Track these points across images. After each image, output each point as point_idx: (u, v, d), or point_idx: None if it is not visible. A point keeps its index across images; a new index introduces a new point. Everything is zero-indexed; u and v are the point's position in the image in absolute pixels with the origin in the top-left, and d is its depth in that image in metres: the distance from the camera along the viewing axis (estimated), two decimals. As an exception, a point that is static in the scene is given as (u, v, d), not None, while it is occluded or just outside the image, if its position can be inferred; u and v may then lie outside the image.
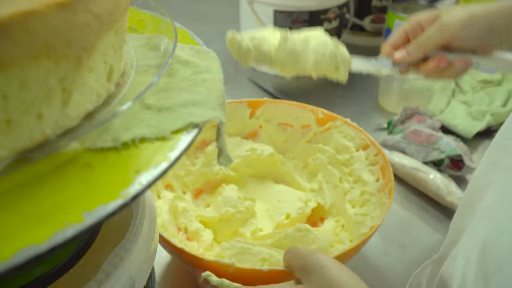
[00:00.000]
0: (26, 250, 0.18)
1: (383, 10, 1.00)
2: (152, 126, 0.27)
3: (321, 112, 0.64)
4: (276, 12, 0.86)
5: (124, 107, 0.25)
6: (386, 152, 0.69)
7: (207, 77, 0.33)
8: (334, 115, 0.63)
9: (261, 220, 0.59)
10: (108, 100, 0.29)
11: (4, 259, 0.18)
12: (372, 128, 0.80)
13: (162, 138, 0.27)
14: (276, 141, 0.67)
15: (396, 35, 0.59)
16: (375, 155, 0.58)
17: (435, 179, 0.65)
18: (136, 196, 0.22)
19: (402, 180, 0.70)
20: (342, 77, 0.55)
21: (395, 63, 0.58)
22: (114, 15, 0.27)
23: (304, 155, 0.66)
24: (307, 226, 0.53)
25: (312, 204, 0.60)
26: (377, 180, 0.57)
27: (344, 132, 0.63)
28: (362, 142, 0.60)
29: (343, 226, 0.58)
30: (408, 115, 0.78)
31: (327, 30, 0.63)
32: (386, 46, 0.59)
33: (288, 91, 0.89)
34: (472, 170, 0.68)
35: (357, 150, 0.61)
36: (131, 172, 0.24)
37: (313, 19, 0.86)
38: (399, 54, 0.57)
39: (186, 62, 0.34)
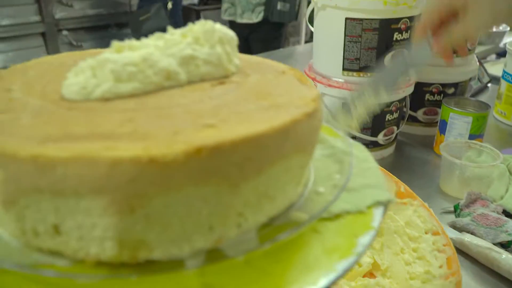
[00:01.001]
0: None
1: (435, 103, 1.11)
2: (350, 202, 0.36)
3: (404, 187, 0.72)
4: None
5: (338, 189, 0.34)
6: (457, 233, 0.76)
7: (369, 165, 0.42)
8: (415, 194, 0.71)
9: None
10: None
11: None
12: (436, 211, 0.88)
13: (360, 212, 0.35)
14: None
15: (429, 18, 0.65)
16: (444, 245, 0.64)
17: (507, 259, 0.72)
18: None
19: (474, 259, 0.76)
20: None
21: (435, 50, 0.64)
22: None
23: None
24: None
25: (370, 260, 0.65)
26: (441, 267, 0.63)
27: (418, 213, 0.71)
28: (433, 228, 0.67)
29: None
30: (472, 200, 0.86)
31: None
32: (419, 29, 0.66)
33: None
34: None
35: (426, 233, 0.68)
36: (351, 236, 0.32)
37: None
38: (436, 46, 0.64)
39: (349, 153, 0.43)
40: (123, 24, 2.86)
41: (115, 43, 0.35)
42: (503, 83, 1.22)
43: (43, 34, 2.55)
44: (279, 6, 2.21)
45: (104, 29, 2.79)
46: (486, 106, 1.02)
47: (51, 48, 2.56)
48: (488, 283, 0.73)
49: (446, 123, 1.03)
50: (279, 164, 0.30)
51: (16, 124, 0.30)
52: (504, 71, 1.21)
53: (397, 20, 0.95)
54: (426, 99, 1.13)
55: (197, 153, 0.26)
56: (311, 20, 1.09)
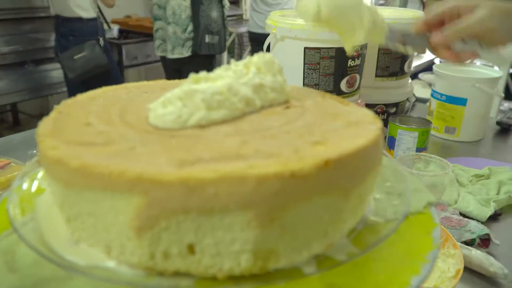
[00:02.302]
0: None
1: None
2: (394, 213, 0.41)
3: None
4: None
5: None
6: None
7: (402, 172, 0.47)
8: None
9: None
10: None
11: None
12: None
13: (419, 213, 0.40)
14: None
15: (433, 15, 0.64)
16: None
17: (477, 254, 0.81)
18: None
19: (448, 258, 0.85)
20: (381, 40, 0.64)
21: (430, 43, 0.64)
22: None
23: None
24: None
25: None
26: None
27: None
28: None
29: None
30: (434, 205, 0.95)
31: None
32: (420, 24, 0.65)
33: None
34: (497, 246, 0.85)
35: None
36: (425, 233, 0.37)
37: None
38: (437, 37, 0.62)
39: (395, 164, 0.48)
40: (40, 61, 2.75)
41: (193, 75, 0.38)
42: (433, 101, 1.37)
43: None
44: (207, 39, 2.27)
45: (20, 66, 2.66)
46: (427, 122, 1.14)
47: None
48: (463, 278, 0.82)
49: (395, 139, 1.14)
50: (374, 171, 0.35)
51: (133, 153, 0.31)
52: (434, 91, 1.36)
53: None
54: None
55: (325, 166, 0.30)
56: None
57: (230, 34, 3.53)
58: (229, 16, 3.07)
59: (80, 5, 2.23)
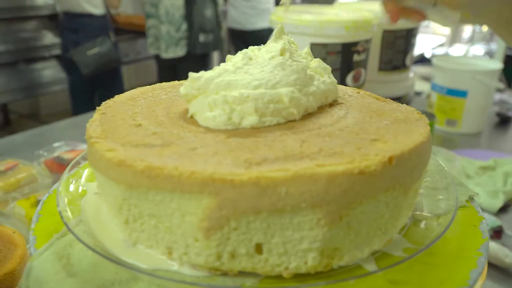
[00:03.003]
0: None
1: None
2: (452, 200, 0.41)
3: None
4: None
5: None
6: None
7: (439, 166, 0.48)
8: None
9: None
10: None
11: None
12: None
13: (463, 206, 0.41)
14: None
15: None
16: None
17: (492, 246, 0.83)
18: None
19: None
20: None
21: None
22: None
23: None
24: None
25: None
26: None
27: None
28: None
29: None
30: (444, 197, 0.97)
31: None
32: None
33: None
34: (509, 237, 0.87)
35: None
36: (471, 226, 0.38)
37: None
38: None
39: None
40: (32, 59, 2.71)
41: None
42: (434, 94, 1.38)
43: None
44: (201, 38, 2.26)
45: (11, 66, 2.62)
46: (431, 115, 1.15)
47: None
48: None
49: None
50: (427, 166, 0.35)
51: (196, 154, 0.31)
52: (434, 84, 1.38)
53: (356, 43, 1.05)
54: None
55: (389, 162, 0.30)
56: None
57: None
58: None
59: (91, 1, 2.26)
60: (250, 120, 0.35)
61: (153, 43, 2.30)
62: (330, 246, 0.30)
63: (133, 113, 0.39)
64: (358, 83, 1.11)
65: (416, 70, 2.31)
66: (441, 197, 0.40)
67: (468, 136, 1.36)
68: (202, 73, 0.38)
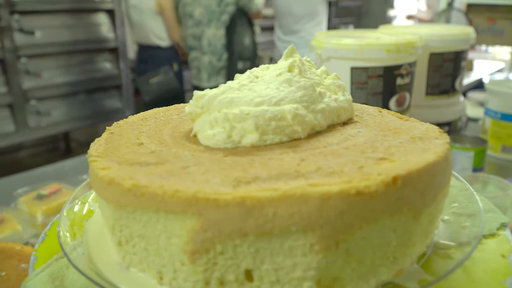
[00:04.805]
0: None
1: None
2: (465, 236, 0.37)
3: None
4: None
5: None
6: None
7: (468, 191, 0.43)
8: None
9: None
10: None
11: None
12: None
13: (492, 234, 0.37)
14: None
15: None
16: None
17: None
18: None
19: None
20: None
21: None
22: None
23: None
24: None
25: None
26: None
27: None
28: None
29: None
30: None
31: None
32: None
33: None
34: None
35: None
36: (498, 256, 0.34)
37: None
38: None
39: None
40: (92, 90, 2.84)
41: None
42: (487, 119, 1.30)
43: (10, 106, 2.48)
44: (240, 65, 2.30)
45: (73, 96, 2.76)
46: (483, 141, 1.08)
47: (19, 118, 2.49)
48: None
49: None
50: (444, 189, 0.32)
51: (186, 172, 0.30)
52: (487, 108, 1.30)
53: (399, 66, 1.01)
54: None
55: (393, 183, 0.27)
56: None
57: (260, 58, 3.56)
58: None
59: (158, 35, 2.49)
60: (250, 138, 0.33)
61: (196, 75, 2.36)
62: (328, 275, 0.28)
63: (139, 133, 0.38)
64: (403, 108, 1.06)
65: (472, 96, 2.21)
66: (466, 224, 0.36)
67: (523, 163, 1.27)
68: (207, 91, 0.37)
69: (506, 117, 1.25)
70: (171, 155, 0.33)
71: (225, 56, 2.26)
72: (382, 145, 0.33)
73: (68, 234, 0.36)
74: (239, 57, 2.26)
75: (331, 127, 0.37)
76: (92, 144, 0.37)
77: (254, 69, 0.39)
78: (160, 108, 0.46)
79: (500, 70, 2.75)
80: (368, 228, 0.27)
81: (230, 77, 2.29)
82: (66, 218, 0.38)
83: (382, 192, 0.27)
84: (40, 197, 0.95)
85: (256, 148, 0.33)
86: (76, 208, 0.40)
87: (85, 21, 2.71)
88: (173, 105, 0.48)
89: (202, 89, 2.12)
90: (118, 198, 0.30)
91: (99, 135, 0.39)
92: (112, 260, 0.34)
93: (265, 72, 0.38)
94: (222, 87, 0.37)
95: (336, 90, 0.39)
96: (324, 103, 0.36)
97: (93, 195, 0.42)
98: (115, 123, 0.42)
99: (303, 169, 0.29)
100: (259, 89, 0.35)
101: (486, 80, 2.56)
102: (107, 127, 0.41)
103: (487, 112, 1.31)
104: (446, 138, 0.34)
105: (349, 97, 0.39)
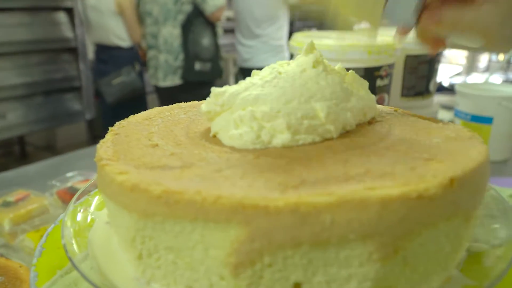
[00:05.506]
0: None
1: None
2: (497, 238, 0.36)
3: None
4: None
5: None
6: None
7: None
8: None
9: None
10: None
11: None
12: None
13: None
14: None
15: None
16: None
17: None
18: None
19: None
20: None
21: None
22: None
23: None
24: None
25: None
26: None
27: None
28: None
29: None
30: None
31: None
32: None
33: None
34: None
35: None
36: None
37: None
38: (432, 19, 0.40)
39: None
40: (50, 92, 2.73)
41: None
42: (457, 121, 1.33)
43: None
44: (197, 66, 2.26)
45: (29, 98, 2.63)
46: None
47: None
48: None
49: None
50: (488, 190, 0.30)
51: (221, 176, 0.27)
52: (457, 110, 1.32)
53: (379, 68, 1.01)
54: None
55: (450, 185, 0.25)
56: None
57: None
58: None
59: (119, 36, 2.43)
60: (282, 138, 0.31)
61: (153, 74, 2.30)
62: (384, 285, 0.25)
63: (149, 133, 0.35)
64: (381, 109, 1.07)
65: (436, 99, 2.26)
66: (497, 225, 0.35)
67: (495, 164, 1.30)
68: (226, 87, 0.34)
69: (476, 118, 1.28)
70: (195, 157, 0.30)
71: (181, 55, 2.22)
72: (420, 145, 0.31)
73: (75, 247, 0.32)
74: (196, 57, 2.22)
75: (359, 126, 0.35)
76: (98, 146, 0.33)
77: (274, 65, 0.37)
78: (162, 108, 0.43)
79: (458, 74, 2.85)
80: (426, 233, 0.25)
81: (186, 77, 2.25)
82: (69, 229, 0.34)
83: (440, 195, 0.25)
84: (7, 204, 0.88)
85: (287, 149, 0.31)
86: (79, 216, 0.36)
87: (43, 20, 2.60)
88: (175, 104, 0.44)
89: (161, 89, 2.07)
90: (144, 206, 0.26)
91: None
92: (127, 275, 0.30)
93: (285, 68, 0.36)
94: (243, 83, 0.34)
95: (359, 88, 0.37)
96: (353, 101, 0.34)
97: (95, 202, 0.38)
98: (117, 123, 0.38)
99: (351, 171, 0.26)
100: (285, 86, 0.33)
101: (445, 83, 2.64)
102: (109, 128, 0.37)
103: (457, 114, 1.34)
104: (479, 138, 0.33)
105: (372, 95, 0.38)
